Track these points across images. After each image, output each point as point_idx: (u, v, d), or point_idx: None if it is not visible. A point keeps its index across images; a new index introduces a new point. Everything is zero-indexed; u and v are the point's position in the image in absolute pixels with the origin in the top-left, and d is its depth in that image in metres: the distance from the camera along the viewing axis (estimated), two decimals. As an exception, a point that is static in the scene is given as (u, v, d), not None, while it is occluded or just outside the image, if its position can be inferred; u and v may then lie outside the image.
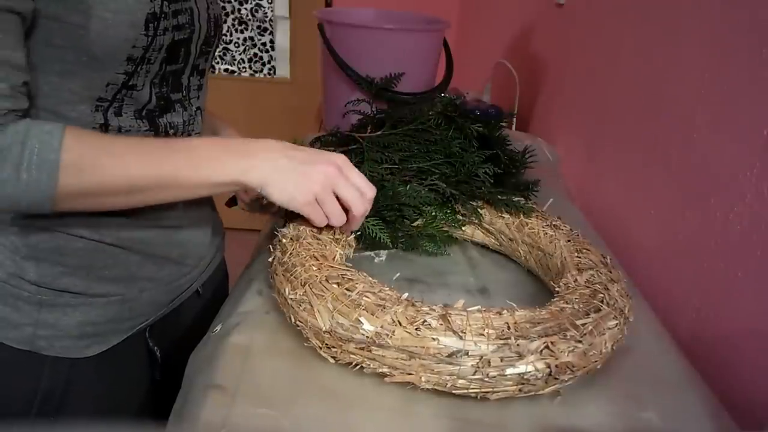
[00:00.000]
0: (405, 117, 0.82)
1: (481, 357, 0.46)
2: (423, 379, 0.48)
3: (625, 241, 0.88)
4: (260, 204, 0.76)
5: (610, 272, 0.60)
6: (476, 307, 0.49)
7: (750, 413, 0.60)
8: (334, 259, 0.57)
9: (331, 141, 0.86)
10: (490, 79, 1.53)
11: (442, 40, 1.19)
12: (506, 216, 0.73)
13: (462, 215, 0.75)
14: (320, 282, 0.52)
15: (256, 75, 2.44)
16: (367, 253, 0.72)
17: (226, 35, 2.38)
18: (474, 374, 0.46)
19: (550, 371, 0.47)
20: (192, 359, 0.57)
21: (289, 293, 0.53)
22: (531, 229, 0.70)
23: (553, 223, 0.70)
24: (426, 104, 0.86)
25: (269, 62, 2.42)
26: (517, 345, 0.46)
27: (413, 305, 0.49)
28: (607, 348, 0.50)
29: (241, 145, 0.56)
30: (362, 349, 0.48)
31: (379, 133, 0.80)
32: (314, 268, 0.54)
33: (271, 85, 2.46)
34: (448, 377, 0.47)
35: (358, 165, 0.75)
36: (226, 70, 2.43)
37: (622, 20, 0.98)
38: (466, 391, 0.48)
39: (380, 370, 0.49)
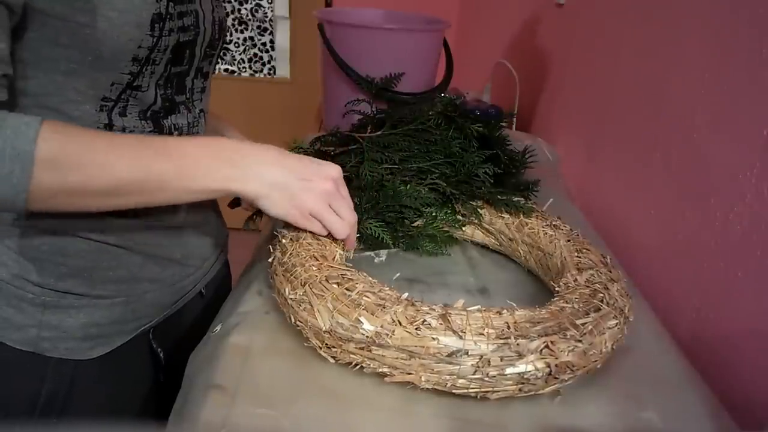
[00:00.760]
0: (405, 117, 0.82)
1: (481, 356, 0.46)
2: (423, 378, 0.48)
3: (625, 241, 0.88)
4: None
5: (610, 272, 0.60)
6: (476, 307, 0.49)
7: (750, 413, 0.60)
8: (334, 259, 0.57)
9: (331, 141, 0.86)
10: (490, 79, 1.53)
11: (442, 40, 1.19)
12: (506, 216, 0.73)
13: (462, 215, 0.75)
14: (320, 282, 0.52)
15: (256, 75, 2.44)
16: (367, 253, 0.72)
17: (226, 35, 2.38)
18: (474, 374, 0.46)
19: (550, 371, 0.47)
20: (192, 359, 0.57)
21: (289, 293, 0.53)
22: (531, 229, 0.70)
23: (553, 223, 0.70)
24: (426, 104, 0.86)
25: (269, 62, 2.43)
26: (517, 344, 0.46)
27: (413, 305, 0.49)
28: (607, 347, 0.50)
29: (233, 152, 0.54)
30: (362, 348, 0.48)
31: (379, 133, 0.80)
32: (314, 268, 0.54)
33: (271, 85, 2.46)
34: (448, 377, 0.47)
35: (358, 165, 0.75)
36: (226, 70, 2.43)
37: (623, 20, 0.98)
38: (466, 390, 0.48)
39: (380, 370, 0.49)
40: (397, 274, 0.68)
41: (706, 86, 0.73)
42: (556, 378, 0.48)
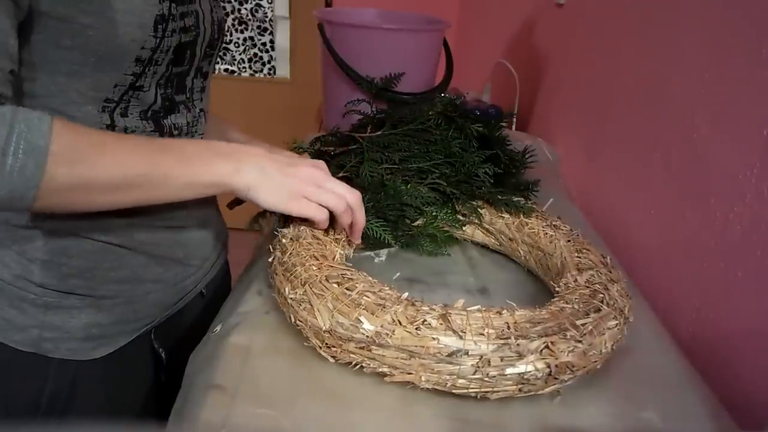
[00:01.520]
0: (405, 117, 0.82)
1: (481, 356, 0.46)
2: (423, 378, 0.48)
3: (625, 241, 0.88)
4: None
5: (610, 272, 0.60)
6: (476, 307, 0.49)
7: (750, 413, 0.60)
8: (334, 258, 0.57)
9: (331, 141, 0.86)
10: (490, 79, 1.53)
11: (442, 40, 1.19)
12: (506, 216, 0.73)
13: (462, 215, 0.75)
14: (320, 281, 0.52)
15: (256, 75, 2.44)
16: (367, 253, 0.72)
17: (226, 35, 2.38)
18: (474, 374, 0.46)
19: (550, 371, 0.47)
20: (192, 359, 0.57)
21: (289, 293, 0.53)
22: (531, 229, 0.70)
23: (553, 223, 0.70)
24: (426, 104, 0.86)
25: (269, 62, 2.43)
26: (517, 345, 0.46)
27: (413, 305, 0.49)
28: (607, 348, 0.50)
29: (228, 148, 0.56)
30: (362, 348, 0.48)
31: (379, 133, 0.80)
32: (314, 268, 0.54)
33: (271, 85, 2.46)
34: (448, 377, 0.47)
35: (358, 165, 0.75)
36: (226, 70, 2.43)
37: (622, 20, 0.98)
38: (466, 390, 0.48)
39: (380, 370, 0.49)
40: (397, 274, 0.68)
41: (706, 86, 0.73)
42: (556, 378, 0.48)
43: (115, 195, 0.50)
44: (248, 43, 2.39)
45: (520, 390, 0.48)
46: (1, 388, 0.59)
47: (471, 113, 0.85)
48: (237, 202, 0.71)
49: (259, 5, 2.32)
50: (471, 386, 0.47)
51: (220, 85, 2.39)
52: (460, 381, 0.47)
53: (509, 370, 0.46)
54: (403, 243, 0.73)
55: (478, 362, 0.46)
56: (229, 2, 2.32)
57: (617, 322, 0.52)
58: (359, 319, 0.48)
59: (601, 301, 0.53)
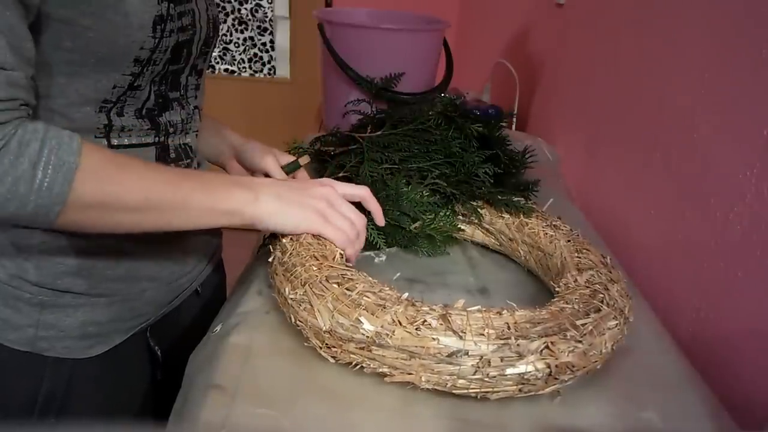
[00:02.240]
0: (405, 117, 0.82)
1: (481, 357, 0.46)
2: (423, 379, 0.48)
3: (625, 241, 0.88)
4: None
5: (610, 272, 0.60)
6: (476, 307, 0.49)
7: (750, 413, 0.60)
8: (334, 259, 0.57)
9: (331, 141, 0.86)
10: (490, 79, 1.53)
11: (442, 40, 1.19)
12: (506, 216, 0.73)
13: (462, 215, 0.75)
14: (320, 282, 0.52)
15: (256, 75, 2.44)
16: (367, 253, 0.72)
17: (226, 35, 2.39)
18: (474, 374, 0.46)
19: (550, 371, 0.47)
20: (192, 359, 0.57)
21: (289, 293, 0.53)
22: (531, 229, 0.70)
23: (553, 223, 0.70)
24: (426, 104, 0.86)
25: (269, 62, 2.43)
26: (518, 345, 0.46)
27: (413, 305, 0.49)
28: (607, 348, 0.50)
29: (246, 179, 0.59)
30: (362, 348, 0.48)
31: (379, 133, 0.80)
32: (314, 268, 0.54)
33: (271, 85, 2.46)
34: (448, 377, 0.47)
35: (358, 165, 0.75)
36: (226, 70, 2.43)
37: (622, 20, 0.98)
38: (466, 391, 0.48)
39: (380, 370, 0.49)
40: (398, 274, 0.68)
41: (706, 86, 0.73)
42: (556, 378, 0.48)
43: (136, 216, 0.51)
44: (248, 43, 2.39)
45: (520, 390, 0.48)
46: None
47: (471, 113, 0.85)
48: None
49: (259, 5, 2.32)
50: (471, 386, 0.47)
51: (220, 85, 2.41)
52: (461, 381, 0.47)
53: (509, 371, 0.46)
54: (401, 245, 0.73)
55: (478, 362, 0.46)
56: (229, 2, 2.32)
57: (617, 322, 0.52)
58: (359, 320, 0.48)
59: (601, 301, 0.53)
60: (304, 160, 0.78)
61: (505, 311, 0.49)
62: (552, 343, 0.47)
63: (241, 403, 0.48)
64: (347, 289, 0.50)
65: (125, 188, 0.49)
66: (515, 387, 0.47)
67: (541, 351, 0.47)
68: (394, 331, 0.47)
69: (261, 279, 0.65)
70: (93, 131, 0.55)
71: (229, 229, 0.80)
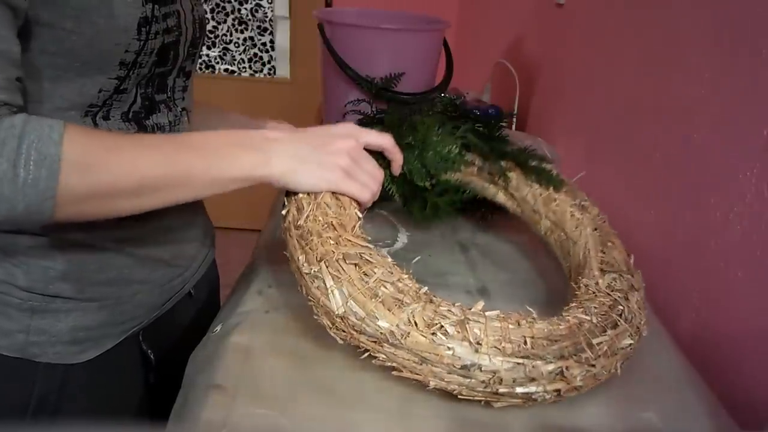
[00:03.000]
0: (405, 117, 0.82)
1: (494, 373, 0.45)
2: (432, 384, 0.47)
3: (625, 241, 0.87)
4: None
5: (632, 276, 0.58)
6: (495, 312, 0.48)
7: (750, 413, 0.60)
8: (353, 229, 0.53)
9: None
10: (490, 79, 1.53)
11: (442, 40, 1.19)
12: (534, 186, 0.70)
13: (489, 173, 0.73)
14: (337, 260, 0.49)
15: (256, 75, 2.44)
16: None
17: (226, 35, 2.38)
18: (484, 388, 0.46)
19: (559, 393, 0.46)
20: (192, 359, 0.57)
21: (302, 264, 0.50)
22: (558, 207, 0.67)
23: (582, 203, 0.67)
24: (426, 104, 0.86)
25: (269, 62, 2.43)
26: (533, 367, 0.45)
27: (431, 302, 0.47)
28: (616, 368, 0.50)
29: (252, 138, 0.55)
30: (374, 342, 0.47)
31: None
32: (331, 241, 0.50)
33: (271, 85, 2.46)
34: (456, 386, 0.46)
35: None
36: (226, 70, 2.43)
37: (622, 20, 0.98)
38: (471, 398, 0.47)
39: (388, 364, 0.48)
40: (397, 274, 0.68)
41: (706, 86, 0.73)
42: (562, 397, 0.47)
43: (137, 199, 0.49)
44: (248, 43, 2.39)
45: (524, 403, 0.47)
46: None
47: (471, 113, 0.85)
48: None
49: (259, 5, 2.32)
50: (477, 396, 0.47)
51: (220, 85, 2.41)
52: (468, 390, 0.46)
53: (519, 389, 0.45)
54: (403, 201, 0.72)
55: (490, 379, 0.45)
56: (229, 2, 2.32)
57: (632, 342, 0.51)
58: (374, 315, 0.46)
59: (620, 315, 0.52)
60: None
61: (523, 321, 0.48)
62: (567, 368, 0.46)
63: (242, 403, 0.48)
64: (365, 273, 0.48)
65: (117, 173, 0.47)
66: (521, 401, 0.47)
67: (555, 375, 0.46)
68: (409, 333, 0.45)
69: (261, 279, 0.65)
70: None
71: (229, 229, 0.80)
